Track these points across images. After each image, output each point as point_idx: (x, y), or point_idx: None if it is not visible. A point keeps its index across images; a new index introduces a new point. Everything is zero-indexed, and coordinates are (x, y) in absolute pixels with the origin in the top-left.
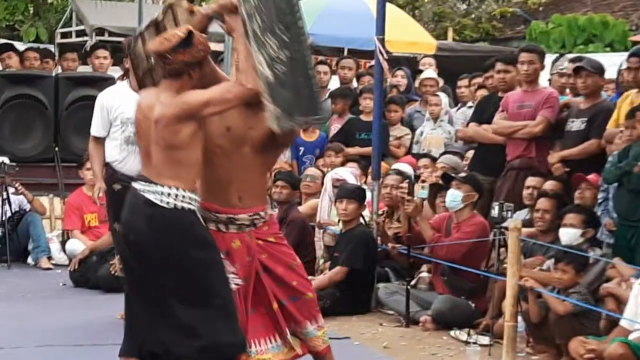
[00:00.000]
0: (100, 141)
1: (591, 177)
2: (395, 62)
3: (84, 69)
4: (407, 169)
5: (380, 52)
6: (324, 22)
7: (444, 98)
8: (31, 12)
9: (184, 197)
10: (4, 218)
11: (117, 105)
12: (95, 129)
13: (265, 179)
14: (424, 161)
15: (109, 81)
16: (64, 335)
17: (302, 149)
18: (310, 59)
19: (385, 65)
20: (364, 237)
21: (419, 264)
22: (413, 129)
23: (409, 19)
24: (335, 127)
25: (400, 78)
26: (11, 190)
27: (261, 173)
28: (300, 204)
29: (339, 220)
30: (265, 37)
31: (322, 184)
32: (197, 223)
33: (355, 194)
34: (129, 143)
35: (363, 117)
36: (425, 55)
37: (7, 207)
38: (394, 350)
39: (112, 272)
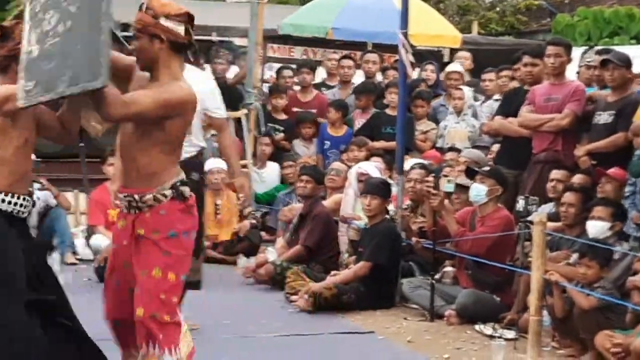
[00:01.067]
0: None
1: (612, 171)
2: (420, 56)
3: None
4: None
5: (404, 47)
6: (348, 16)
7: (467, 92)
8: None
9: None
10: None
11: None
12: None
13: (159, 160)
14: (450, 155)
15: None
16: (89, 330)
17: (327, 143)
18: (105, 26)
19: (406, 60)
20: (388, 232)
21: (444, 258)
22: (438, 123)
23: (434, 12)
24: (359, 121)
25: (429, 72)
26: (37, 185)
27: (143, 153)
28: (325, 198)
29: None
30: (46, 14)
31: (347, 178)
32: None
33: (380, 189)
34: None
35: (388, 111)
36: (459, 49)
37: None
38: (418, 344)
39: None
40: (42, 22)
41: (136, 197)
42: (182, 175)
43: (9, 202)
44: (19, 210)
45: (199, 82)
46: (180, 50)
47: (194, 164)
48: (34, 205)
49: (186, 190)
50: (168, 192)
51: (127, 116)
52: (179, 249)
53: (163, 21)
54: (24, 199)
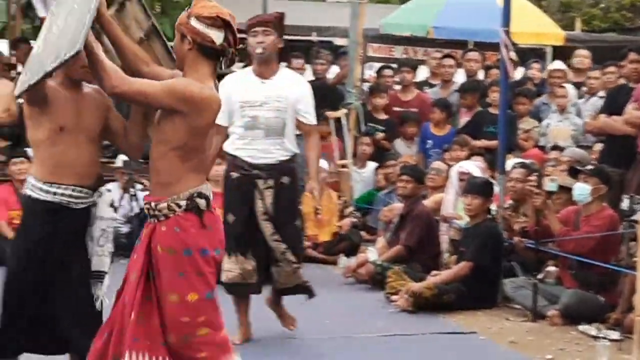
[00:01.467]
0: (222, 130)
1: None
2: (522, 53)
3: None
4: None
5: (505, 45)
6: (449, 14)
7: (571, 90)
8: (158, 10)
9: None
10: (131, 214)
11: (238, 90)
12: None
13: (173, 168)
14: (553, 154)
15: (225, 76)
16: None
17: (430, 142)
18: (93, 6)
19: (508, 58)
20: (490, 232)
21: (547, 258)
22: (540, 121)
23: (535, 9)
24: (464, 119)
25: (535, 71)
26: (139, 187)
27: (159, 158)
28: (426, 197)
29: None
30: (56, 13)
31: (447, 177)
32: (30, 212)
33: (481, 189)
34: (247, 128)
35: (491, 110)
36: (563, 47)
37: (134, 203)
38: (521, 345)
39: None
40: (52, 20)
41: (152, 204)
42: (203, 188)
43: (48, 192)
44: (68, 201)
45: (292, 85)
46: (210, 55)
47: (285, 168)
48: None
49: (202, 203)
50: (182, 203)
51: (127, 93)
52: (196, 268)
53: (193, 22)
54: (72, 189)
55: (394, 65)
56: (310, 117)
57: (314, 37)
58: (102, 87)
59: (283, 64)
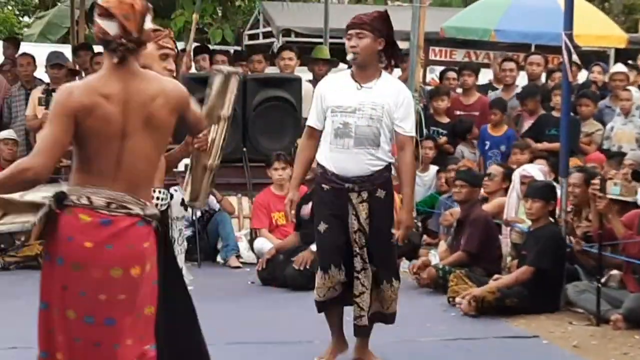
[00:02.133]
0: (316, 134)
1: None
2: (585, 56)
3: (271, 71)
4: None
5: (567, 49)
6: (511, 18)
7: (635, 93)
8: (219, 14)
9: None
10: (194, 218)
11: (331, 94)
12: (310, 119)
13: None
14: (615, 158)
15: (295, 82)
16: (253, 333)
17: (487, 143)
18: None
19: (569, 62)
20: (552, 236)
21: (611, 264)
22: (603, 125)
23: (598, 12)
24: (528, 123)
25: (596, 74)
26: None
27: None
28: (487, 201)
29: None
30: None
31: (502, 181)
32: None
33: (541, 193)
34: (337, 136)
35: (554, 113)
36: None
37: None
38: (584, 349)
39: (299, 269)
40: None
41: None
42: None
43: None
44: (160, 204)
45: (391, 92)
46: (108, 49)
47: (379, 180)
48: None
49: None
50: None
51: None
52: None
53: (95, 17)
54: (159, 191)
55: (456, 68)
56: (406, 127)
57: None
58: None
59: (383, 68)
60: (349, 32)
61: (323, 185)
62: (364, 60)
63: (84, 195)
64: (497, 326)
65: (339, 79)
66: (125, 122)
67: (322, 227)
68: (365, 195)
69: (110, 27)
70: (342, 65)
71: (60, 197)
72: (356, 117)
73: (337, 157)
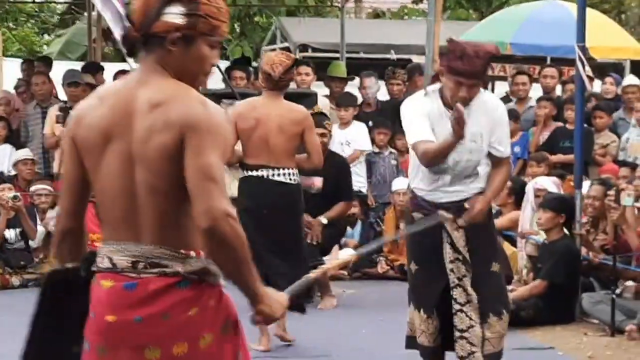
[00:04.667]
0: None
1: None
2: (600, 68)
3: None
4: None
5: (580, 60)
6: (527, 31)
7: None
8: (237, 31)
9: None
10: None
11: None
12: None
13: None
14: (624, 170)
15: (311, 97)
16: None
17: None
18: None
19: (584, 74)
20: (566, 249)
21: (625, 274)
22: (618, 137)
23: (613, 24)
24: (543, 135)
25: (608, 85)
26: None
27: None
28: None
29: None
30: None
31: (508, 195)
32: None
33: (552, 204)
34: (433, 172)
35: (568, 126)
36: None
37: None
38: None
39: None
40: None
41: None
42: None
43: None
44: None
45: (487, 116)
46: None
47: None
48: None
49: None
50: None
51: None
52: None
53: None
54: None
55: None
56: (502, 149)
57: (391, 55)
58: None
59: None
60: (461, 79)
61: (415, 214)
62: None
63: (104, 255)
64: (513, 338)
65: (430, 105)
66: None
67: (412, 266)
68: (460, 222)
69: None
70: (358, 80)
71: (89, 261)
72: (454, 153)
73: (433, 192)
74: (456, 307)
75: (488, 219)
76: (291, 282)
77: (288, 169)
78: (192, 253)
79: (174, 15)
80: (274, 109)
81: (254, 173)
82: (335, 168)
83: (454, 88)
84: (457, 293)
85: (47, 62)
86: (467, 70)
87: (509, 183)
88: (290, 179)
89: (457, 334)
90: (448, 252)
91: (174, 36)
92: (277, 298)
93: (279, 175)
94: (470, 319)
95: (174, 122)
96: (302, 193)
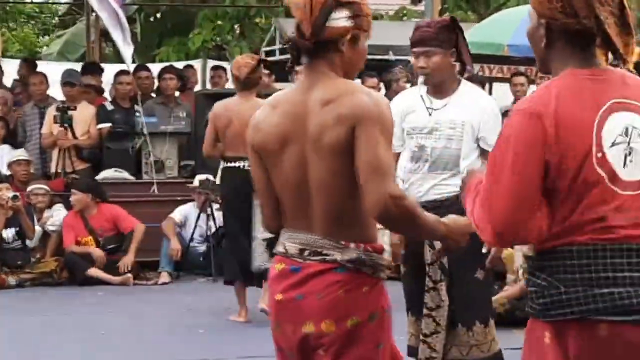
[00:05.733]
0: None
1: None
2: None
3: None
4: None
5: None
6: (524, 32)
7: None
8: (237, 32)
9: None
10: (208, 233)
11: (407, 113)
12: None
13: None
14: None
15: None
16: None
17: None
18: None
19: None
20: None
21: None
22: None
23: None
24: None
25: None
26: (215, 206)
27: None
28: None
29: None
30: None
31: None
32: None
33: None
34: (413, 159)
35: None
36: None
37: (211, 222)
38: None
39: None
40: None
41: None
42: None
43: None
44: None
45: (472, 106)
46: None
47: (457, 206)
48: None
49: None
50: None
51: None
52: None
53: None
54: None
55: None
56: (490, 141)
57: (390, 56)
58: None
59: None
60: (414, 49)
61: None
62: (438, 80)
63: (281, 242)
64: (508, 338)
65: (413, 95)
66: None
67: (402, 268)
68: None
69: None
70: (357, 80)
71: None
72: (433, 138)
73: (413, 182)
74: (425, 311)
75: None
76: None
77: None
78: (352, 245)
79: (342, 19)
80: (244, 106)
81: (232, 164)
82: None
83: (414, 62)
84: (428, 297)
85: (30, 63)
86: (417, 39)
87: None
88: None
89: (421, 337)
90: (427, 254)
91: (346, 38)
92: (459, 229)
93: None
94: (437, 324)
95: (345, 116)
96: None
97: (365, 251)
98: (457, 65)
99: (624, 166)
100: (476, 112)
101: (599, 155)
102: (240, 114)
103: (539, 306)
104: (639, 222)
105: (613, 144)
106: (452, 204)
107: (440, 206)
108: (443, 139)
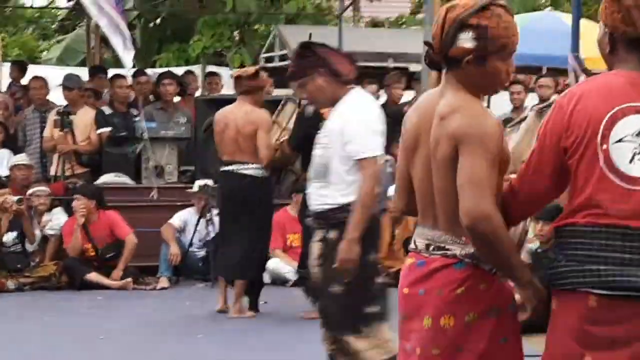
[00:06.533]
0: None
1: None
2: None
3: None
4: None
5: (574, 71)
6: (522, 40)
7: None
8: (236, 38)
9: None
10: (207, 239)
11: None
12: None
13: None
14: None
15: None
16: (268, 356)
17: None
18: None
19: (575, 83)
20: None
21: None
22: None
23: None
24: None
25: None
26: (215, 211)
27: None
28: None
29: None
30: None
31: None
32: None
33: (551, 214)
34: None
35: None
36: None
37: (210, 228)
38: None
39: None
40: None
41: None
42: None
43: None
44: None
45: (341, 113)
46: None
47: (332, 220)
48: None
49: None
50: None
51: None
52: None
53: None
54: None
55: None
56: (355, 149)
57: (389, 64)
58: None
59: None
60: (293, 83)
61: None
62: (322, 100)
63: (413, 238)
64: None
65: None
66: None
67: None
68: (321, 234)
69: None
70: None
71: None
72: (317, 148)
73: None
74: None
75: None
76: (230, 267)
77: (253, 163)
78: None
79: (466, 40)
80: (239, 113)
81: (226, 168)
82: None
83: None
84: None
85: (21, 66)
86: (289, 76)
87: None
88: (255, 172)
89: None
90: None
91: (466, 59)
92: (535, 290)
93: (246, 169)
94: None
95: (451, 135)
96: (268, 184)
97: None
98: (333, 78)
99: (630, 162)
100: (346, 120)
101: (604, 147)
102: (234, 120)
103: (550, 277)
104: (637, 213)
105: (620, 140)
106: (327, 217)
107: (320, 218)
108: (320, 148)
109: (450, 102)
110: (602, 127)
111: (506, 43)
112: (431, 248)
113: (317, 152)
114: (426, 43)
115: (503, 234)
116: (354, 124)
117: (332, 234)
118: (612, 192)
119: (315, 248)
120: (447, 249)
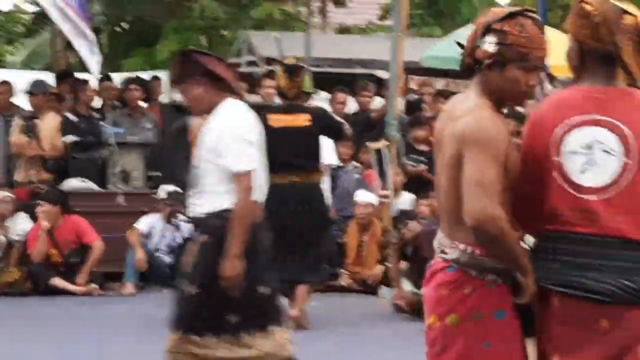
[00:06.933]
0: None
1: None
2: (563, 85)
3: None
4: None
5: (542, 78)
6: None
7: None
8: (204, 44)
9: None
10: (174, 245)
11: None
12: None
13: None
14: None
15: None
16: None
17: None
18: None
19: (545, 91)
20: None
21: None
22: None
23: None
24: None
25: None
26: (182, 217)
27: None
28: None
29: None
30: None
31: None
32: None
33: None
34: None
35: None
36: None
37: (177, 234)
38: None
39: None
40: None
41: None
42: None
43: None
44: None
45: (216, 122)
46: None
47: (204, 225)
48: None
49: None
50: None
51: None
52: None
53: None
54: None
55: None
56: (228, 162)
57: (357, 70)
58: None
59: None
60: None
61: None
62: (198, 109)
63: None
64: None
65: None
66: None
67: None
68: (196, 236)
69: None
70: (323, 94)
71: None
72: (193, 158)
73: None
74: None
75: (216, 244)
76: None
77: None
78: (462, 246)
79: (488, 44)
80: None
81: None
82: None
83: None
84: None
85: None
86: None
87: None
88: None
89: None
90: None
91: (486, 62)
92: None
93: None
94: None
95: (456, 137)
96: None
97: (466, 252)
98: (212, 85)
99: (581, 173)
100: (220, 132)
101: (555, 159)
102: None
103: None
104: (591, 220)
105: (571, 152)
106: (200, 221)
107: (195, 222)
108: (196, 158)
109: (465, 106)
110: (555, 139)
111: (526, 53)
112: (438, 250)
113: (193, 162)
114: (458, 44)
115: (507, 233)
116: (227, 136)
117: (206, 238)
118: (567, 200)
119: (194, 248)
120: (445, 252)
